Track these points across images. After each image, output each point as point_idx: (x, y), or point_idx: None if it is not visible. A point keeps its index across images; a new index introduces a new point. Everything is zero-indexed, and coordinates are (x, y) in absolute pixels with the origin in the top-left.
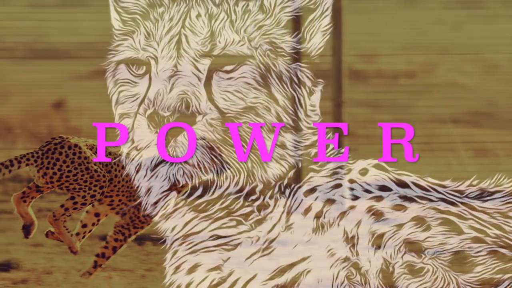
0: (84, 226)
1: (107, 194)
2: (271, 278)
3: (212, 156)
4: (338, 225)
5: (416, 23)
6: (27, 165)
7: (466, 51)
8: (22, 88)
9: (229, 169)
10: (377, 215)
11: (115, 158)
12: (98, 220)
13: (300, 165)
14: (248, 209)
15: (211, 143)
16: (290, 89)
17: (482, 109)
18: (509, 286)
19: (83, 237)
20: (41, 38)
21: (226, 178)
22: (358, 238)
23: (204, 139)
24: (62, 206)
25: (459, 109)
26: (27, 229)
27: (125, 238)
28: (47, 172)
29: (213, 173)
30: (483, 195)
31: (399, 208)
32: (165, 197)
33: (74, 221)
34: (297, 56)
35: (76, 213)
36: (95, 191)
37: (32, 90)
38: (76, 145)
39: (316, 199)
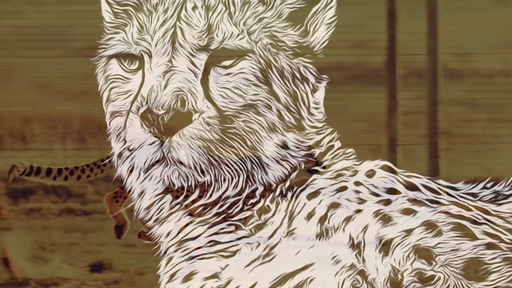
0: None
1: None
2: (272, 287)
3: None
4: (344, 230)
5: None
6: None
7: None
8: None
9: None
10: (385, 220)
11: None
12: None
13: None
14: (248, 213)
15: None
16: (292, 86)
17: None
18: None
19: None
20: None
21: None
22: (364, 244)
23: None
24: None
25: None
26: (119, 230)
27: None
28: None
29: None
30: (497, 198)
31: (408, 212)
32: (159, 201)
33: None
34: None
35: None
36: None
37: None
38: None
39: (320, 203)
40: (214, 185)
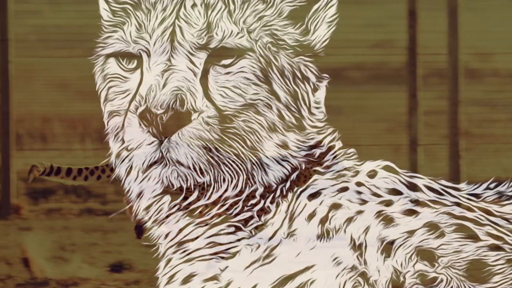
0: None
1: None
2: None
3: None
4: (345, 231)
5: None
6: None
7: None
8: None
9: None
10: (387, 221)
11: None
12: None
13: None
14: (248, 214)
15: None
16: (293, 85)
17: None
18: None
19: None
20: None
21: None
22: (366, 245)
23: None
24: None
25: None
26: (139, 230)
27: None
28: None
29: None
30: (501, 199)
31: (410, 213)
32: (158, 201)
33: None
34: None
35: None
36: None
37: None
38: None
39: (321, 204)
40: (214, 185)
